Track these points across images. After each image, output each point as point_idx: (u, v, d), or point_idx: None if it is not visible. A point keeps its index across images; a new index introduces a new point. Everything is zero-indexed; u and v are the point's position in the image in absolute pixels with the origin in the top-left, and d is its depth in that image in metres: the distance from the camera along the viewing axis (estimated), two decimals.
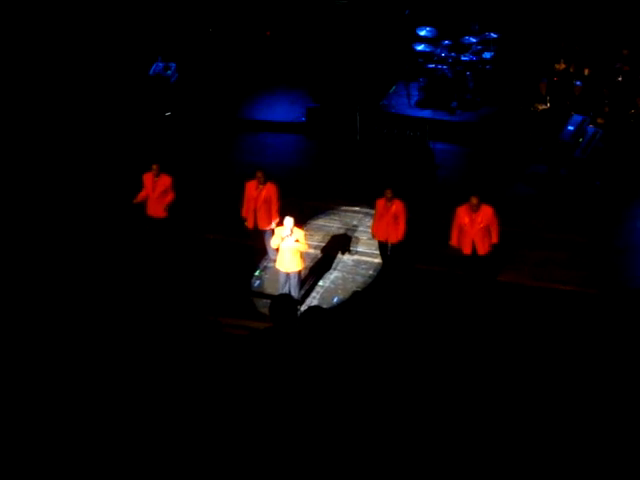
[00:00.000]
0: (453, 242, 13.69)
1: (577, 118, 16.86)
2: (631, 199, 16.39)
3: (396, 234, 13.85)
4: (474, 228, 13.39)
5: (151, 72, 20.16)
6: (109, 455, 7.58)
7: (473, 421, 10.58)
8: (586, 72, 18.12)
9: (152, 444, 7.18)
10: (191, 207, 16.48)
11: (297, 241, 13.22)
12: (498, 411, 10.93)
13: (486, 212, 13.42)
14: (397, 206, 13.75)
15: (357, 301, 14.06)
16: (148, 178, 14.74)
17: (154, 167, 14.66)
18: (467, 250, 13.52)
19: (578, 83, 17.62)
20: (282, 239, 13.23)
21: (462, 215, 13.48)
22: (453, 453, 9.60)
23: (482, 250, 13.51)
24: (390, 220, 13.77)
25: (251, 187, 14.41)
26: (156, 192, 14.68)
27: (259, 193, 14.29)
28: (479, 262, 13.63)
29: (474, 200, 13.36)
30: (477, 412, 10.82)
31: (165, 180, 14.70)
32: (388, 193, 13.72)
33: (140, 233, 15.15)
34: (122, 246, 15.30)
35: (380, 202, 13.89)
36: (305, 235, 13.57)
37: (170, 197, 14.73)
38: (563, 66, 18.28)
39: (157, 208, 14.74)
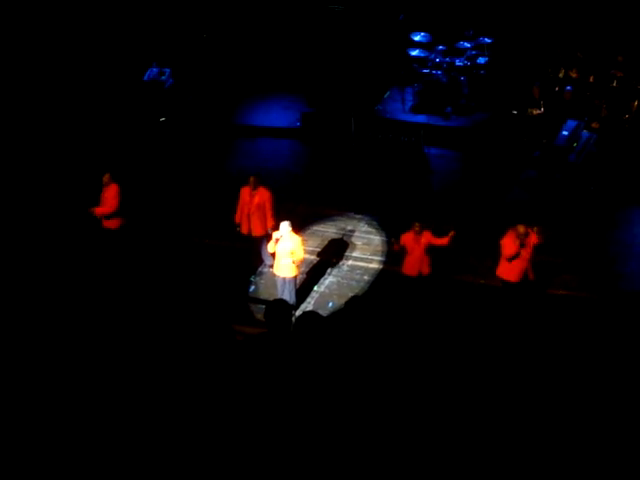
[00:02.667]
0: (515, 276, 12.93)
1: (571, 123, 16.91)
2: (625, 204, 16.41)
3: (429, 266, 13.30)
4: (531, 255, 12.75)
5: (146, 77, 20.17)
6: (108, 454, 7.57)
7: (467, 425, 10.57)
8: (588, 78, 18.12)
9: (145, 446, 7.18)
10: (186, 212, 16.51)
11: (293, 253, 13.18)
12: (492, 415, 10.93)
13: (533, 237, 12.78)
14: (427, 237, 13.15)
15: (352, 306, 14.05)
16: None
17: (105, 177, 14.47)
18: (518, 278, 12.90)
19: (568, 88, 17.63)
20: (277, 242, 13.18)
21: (513, 246, 12.65)
22: (450, 457, 9.59)
23: (531, 274, 13.00)
24: (422, 253, 13.18)
25: (245, 192, 14.41)
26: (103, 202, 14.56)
27: (252, 199, 14.29)
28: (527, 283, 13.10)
29: (522, 229, 12.59)
30: (471, 416, 10.81)
31: (111, 190, 14.45)
32: (416, 226, 13.09)
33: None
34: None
35: (408, 236, 13.19)
36: (302, 242, 13.55)
37: (107, 208, 14.45)
38: (562, 73, 18.25)
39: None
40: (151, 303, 13.69)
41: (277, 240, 13.14)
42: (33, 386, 10.13)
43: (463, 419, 10.65)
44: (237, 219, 14.56)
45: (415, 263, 13.26)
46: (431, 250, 13.26)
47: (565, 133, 16.77)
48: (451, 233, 12.99)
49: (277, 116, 20.09)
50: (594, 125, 17.03)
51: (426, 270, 13.33)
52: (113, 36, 20.84)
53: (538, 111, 17.69)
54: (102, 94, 20.00)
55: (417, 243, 13.15)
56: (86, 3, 20.88)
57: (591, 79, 18.02)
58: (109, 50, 20.67)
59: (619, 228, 15.81)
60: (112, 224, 14.63)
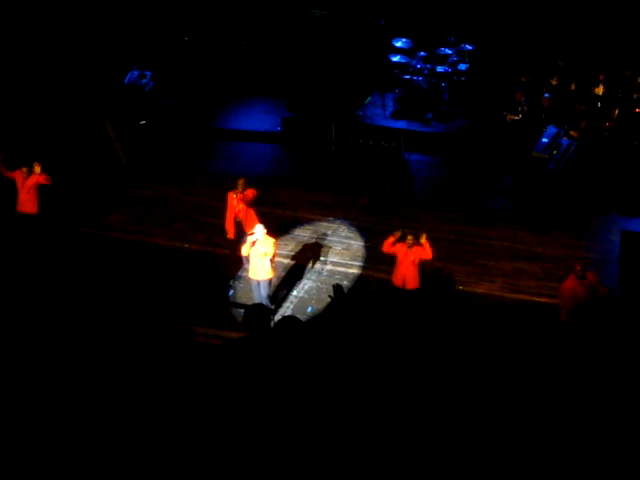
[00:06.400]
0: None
1: (552, 130, 16.94)
2: (604, 211, 16.49)
3: (415, 280, 13.26)
4: (590, 297, 12.55)
5: (126, 80, 20.10)
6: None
7: (438, 440, 10.55)
8: (553, 83, 18.19)
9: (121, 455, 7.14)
10: (166, 216, 16.47)
11: (266, 254, 13.16)
12: (470, 427, 10.92)
13: (591, 279, 12.61)
14: (417, 252, 13.15)
15: (331, 311, 14.01)
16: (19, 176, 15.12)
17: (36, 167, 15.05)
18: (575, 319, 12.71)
19: (547, 95, 17.68)
20: (252, 245, 13.16)
21: (575, 288, 12.47)
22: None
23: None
24: (409, 266, 13.17)
25: (232, 197, 14.35)
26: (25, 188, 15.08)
27: (239, 201, 14.29)
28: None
29: (578, 267, 12.50)
30: (445, 429, 10.80)
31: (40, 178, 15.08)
32: (410, 240, 13.10)
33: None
34: None
35: (400, 247, 13.20)
36: (275, 243, 13.49)
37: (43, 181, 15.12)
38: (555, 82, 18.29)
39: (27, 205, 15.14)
40: (119, 307, 13.66)
41: (253, 243, 13.12)
42: None
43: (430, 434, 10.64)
44: (227, 225, 14.50)
45: (401, 273, 13.24)
46: (421, 265, 13.22)
47: (545, 140, 16.82)
48: (425, 243, 13.06)
49: (258, 120, 20.07)
50: (573, 133, 17.08)
51: (412, 284, 13.27)
52: (94, 39, 20.74)
53: (515, 117, 17.72)
54: (83, 97, 19.90)
55: (406, 255, 13.15)
56: (66, 6, 20.77)
57: (572, 87, 18.10)
58: (90, 53, 20.57)
59: (597, 235, 15.88)
60: (31, 208, 15.10)
